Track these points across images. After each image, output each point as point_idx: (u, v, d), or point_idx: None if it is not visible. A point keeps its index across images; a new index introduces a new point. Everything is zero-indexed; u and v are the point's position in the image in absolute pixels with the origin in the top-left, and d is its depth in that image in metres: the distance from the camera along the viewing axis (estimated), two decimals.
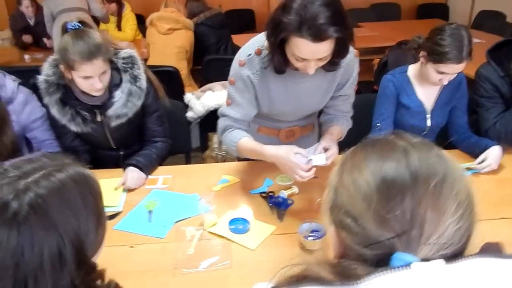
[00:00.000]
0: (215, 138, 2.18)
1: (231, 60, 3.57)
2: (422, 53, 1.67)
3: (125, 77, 1.66)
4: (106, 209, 1.39)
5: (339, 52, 1.27)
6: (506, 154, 1.71)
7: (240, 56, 1.42)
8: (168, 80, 3.08)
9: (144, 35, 3.98)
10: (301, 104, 1.52)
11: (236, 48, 3.63)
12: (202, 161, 2.21)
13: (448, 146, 1.95)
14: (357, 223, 0.56)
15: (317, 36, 1.15)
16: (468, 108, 1.86)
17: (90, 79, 1.51)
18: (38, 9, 3.96)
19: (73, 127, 1.64)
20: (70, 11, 3.26)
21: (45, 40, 3.94)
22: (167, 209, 1.47)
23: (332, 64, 1.32)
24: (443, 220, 0.53)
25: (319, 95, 1.51)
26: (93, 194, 0.73)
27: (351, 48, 1.34)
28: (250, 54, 1.39)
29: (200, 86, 3.61)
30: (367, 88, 3.07)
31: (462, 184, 0.57)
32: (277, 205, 1.44)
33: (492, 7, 5.08)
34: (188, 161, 2.24)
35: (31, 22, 4.07)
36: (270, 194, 1.51)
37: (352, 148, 0.65)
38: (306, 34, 1.15)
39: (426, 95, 1.80)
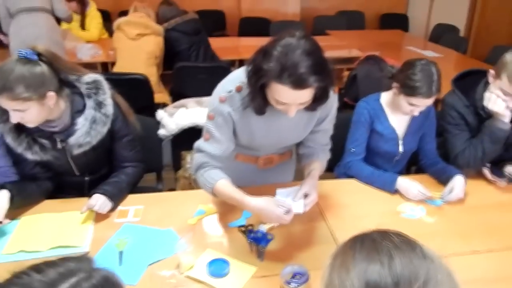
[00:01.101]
0: (188, 157, 2.13)
1: (202, 68, 3.52)
2: (395, 84, 1.74)
3: (89, 103, 1.55)
4: (70, 251, 1.34)
5: (320, 98, 1.28)
6: (471, 180, 1.78)
7: (220, 92, 1.38)
8: (138, 88, 3.00)
9: (110, 34, 3.84)
10: (281, 138, 1.52)
11: (208, 54, 3.59)
12: (175, 181, 2.15)
13: (418, 170, 2.05)
14: None
15: (298, 84, 1.15)
16: (436, 131, 1.94)
17: (10, 110, 1.39)
18: None
19: (30, 156, 1.52)
20: (30, 10, 3.04)
21: (1, 36, 3.71)
22: (139, 249, 1.37)
23: (313, 106, 1.32)
24: None
25: (299, 129, 1.50)
26: None
27: None
28: (230, 91, 1.36)
29: (171, 93, 3.55)
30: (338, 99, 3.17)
31: (445, 286, 0.59)
32: (257, 241, 1.41)
33: (447, 21, 5.36)
34: (159, 180, 2.17)
35: None
36: (249, 228, 1.48)
37: (344, 243, 0.68)
38: (287, 81, 1.14)
39: (398, 122, 1.87)
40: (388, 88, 1.84)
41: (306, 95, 1.20)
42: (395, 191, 1.73)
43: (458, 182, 1.69)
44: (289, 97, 1.20)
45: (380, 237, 0.65)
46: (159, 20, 3.49)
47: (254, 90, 1.26)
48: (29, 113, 1.40)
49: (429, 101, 1.68)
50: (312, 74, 1.14)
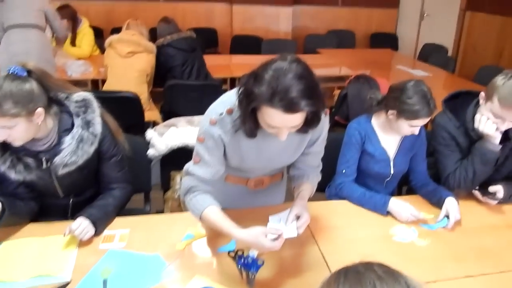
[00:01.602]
0: (178, 178, 2.09)
1: (193, 86, 3.52)
2: (391, 112, 1.74)
3: (77, 121, 1.52)
4: (51, 280, 1.28)
5: (311, 121, 1.27)
6: (462, 202, 1.77)
7: (210, 114, 1.36)
8: (128, 106, 2.97)
9: (102, 51, 3.83)
10: (272, 161, 1.50)
11: (201, 72, 3.59)
12: (163, 203, 2.11)
13: (409, 190, 2.04)
14: None
15: (289, 108, 1.13)
16: (426, 151, 1.94)
17: None
18: None
19: (13, 175, 1.47)
20: (23, 27, 3.02)
21: None
22: (125, 277, 1.30)
23: (304, 129, 1.30)
24: None
25: (290, 152, 1.49)
26: None
27: None
28: (221, 113, 1.34)
29: (161, 110, 3.53)
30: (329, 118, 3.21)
31: None
32: (247, 267, 1.37)
33: (435, 40, 5.47)
34: (147, 201, 2.12)
35: None
36: (239, 253, 1.45)
37: (329, 276, 0.68)
38: (278, 105, 1.13)
39: (389, 144, 1.87)
40: (374, 110, 1.86)
41: (297, 119, 1.19)
42: (387, 213, 1.71)
43: (452, 205, 1.68)
44: (280, 121, 1.19)
45: (363, 268, 0.65)
46: (157, 37, 3.50)
47: (245, 114, 1.25)
48: (16, 130, 1.37)
49: (429, 118, 1.71)
50: (303, 98, 1.13)
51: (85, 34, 4.17)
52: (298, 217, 1.37)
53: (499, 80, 1.65)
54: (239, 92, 1.24)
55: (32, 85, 1.39)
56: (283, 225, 1.35)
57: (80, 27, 4.13)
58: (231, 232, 1.29)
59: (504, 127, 1.70)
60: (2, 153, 1.46)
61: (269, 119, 1.19)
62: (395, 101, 1.70)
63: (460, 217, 1.67)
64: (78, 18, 4.12)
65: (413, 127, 1.72)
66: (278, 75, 1.13)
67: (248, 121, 1.26)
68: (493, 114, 1.68)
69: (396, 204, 1.70)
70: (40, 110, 1.41)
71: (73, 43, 4.11)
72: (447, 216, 1.67)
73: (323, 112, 1.33)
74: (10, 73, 1.38)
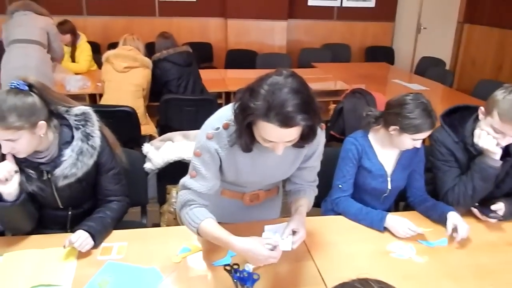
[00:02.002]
0: (174, 191, 2.10)
1: (189, 100, 3.54)
2: (392, 128, 1.73)
3: (77, 134, 1.57)
4: None
5: (307, 137, 1.28)
6: (464, 219, 1.74)
7: (207, 129, 1.38)
8: (125, 120, 2.99)
9: (99, 66, 3.86)
10: (267, 175, 1.51)
11: (197, 87, 3.61)
12: (159, 216, 2.10)
13: (407, 206, 2.02)
14: None
15: (285, 123, 1.15)
16: (424, 167, 1.93)
17: (1, 140, 1.41)
18: None
19: None
20: (25, 42, 3.07)
21: None
22: None
23: (300, 143, 1.31)
24: None
25: (286, 166, 1.49)
26: None
27: None
28: (218, 128, 1.35)
29: (157, 124, 3.54)
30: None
31: None
32: (243, 281, 1.38)
33: (432, 54, 5.45)
34: (143, 214, 2.12)
35: None
36: (235, 267, 1.45)
37: None
38: (274, 119, 1.14)
39: (387, 159, 1.86)
40: (371, 126, 1.85)
41: (293, 133, 1.20)
42: (384, 229, 1.70)
43: (457, 218, 1.66)
44: (276, 136, 1.20)
45: (360, 284, 0.65)
46: (155, 51, 3.53)
47: (241, 128, 1.26)
48: (20, 142, 1.42)
49: (431, 130, 1.70)
50: (299, 112, 1.14)
51: (83, 50, 4.24)
52: (294, 232, 1.37)
53: (499, 94, 1.63)
54: (235, 106, 1.25)
55: (34, 99, 1.44)
56: (279, 238, 1.35)
57: (78, 42, 4.21)
58: (229, 241, 1.30)
59: (504, 142, 1.68)
60: None
61: (265, 134, 1.20)
62: (396, 116, 1.69)
63: (451, 234, 1.63)
64: (77, 33, 4.20)
65: (415, 140, 1.71)
66: (274, 89, 1.14)
67: (244, 135, 1.27)
68: (493, 129, 1.66)
69: (393, 219, 1.68)
70: (42, 122, 1.45)
71: (72, 57, 4.17)
72: (454, 230, 1.64)
73: (319, 126, 1.34)
74: (12, 87, 1.42)
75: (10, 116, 1.37)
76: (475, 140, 1.73)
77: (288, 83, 1.16)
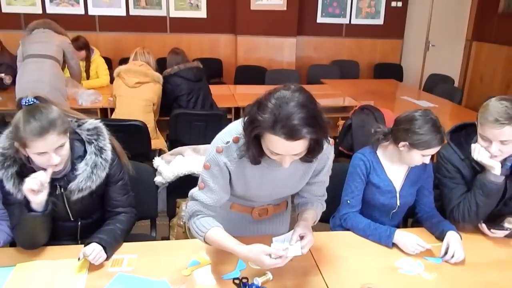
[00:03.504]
0: (183, 205, 2.12)
1: (198, 115, 3.58)
2: (402, 144, 1.74)
3: (90, 149, 1.61)
4: None
5: (313, 150, 1.30)
6: (469, 235, 1.76)
7: (217, 143, 1.41)
8: (136, 134, 3.03)
9: (111, 81, 3.94)
10: (276, 189, 1.52)
11: (207, 102, 3.66)
12: (168, 229, 2.12)
13: (415, 222, 2.00)
14: None
15: (291, 135, 1.17)
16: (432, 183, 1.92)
17: (45, 154, 1.45)
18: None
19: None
20: (40, 57, 3.16)
21: (2, 75, 3.81)
22: None
23: (308, 157, 1.33)
24: None
25: (295, 180, 1.51)
26: None
27: None
28: (228, 142, 1.38)
29: (167, 138, 3.58)
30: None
31: None
32: None
33: (441, 71, 5.46)
34: (153, 227, 2.14)
35: None
36: (244, 280, 1.45)
37: None
38: (280, 132, 1.17)
39: (395, 175, 1.86)
40: (380, 143, 1.87)
41: (299, 146, 1.22)
42: (393, 245, 1.70)
43: (453, 239, 1.65)
44: (282, 148, 1.22)
45: None
46: (167, 67, 3.60)
47: (249, 140, 1.29)
48: (65, 148, 1.50)
49: (440, 146, 1.71)
50: (305, 126, 1.16)
51: (99, 64, 4.35)
52: (301, 238, 1.39)
53: (485, 103, 1.67)
54: (244, 119, 1.29)
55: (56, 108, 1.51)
56: (288, 245, 1.37)
57: (92, 57, 4.31)
58: (234, 249, 1.33)
59: (494, 150, 1.66)
60: (19, 180, 1.52)
61: (272, 146, 1.23)
62: (406, 132, 1.70)
63: (463, 255, 1.61)
64: (91, 48, 4.30)
65: (424, 156, 1.72)
66: (281, 103, 1.18)
67: (252, 147, 1.30)
68: (481, 138, 1.68)
69: (402, 235, 1.68)
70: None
71: (87, 71, 4.26)
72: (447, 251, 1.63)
73: (328, 142, 1.36)
74: (33, 102, 1.48)
75: (58, 121, 1.45)
76: (472, 154, 1.74)
77: (295, 97, 1.19)
